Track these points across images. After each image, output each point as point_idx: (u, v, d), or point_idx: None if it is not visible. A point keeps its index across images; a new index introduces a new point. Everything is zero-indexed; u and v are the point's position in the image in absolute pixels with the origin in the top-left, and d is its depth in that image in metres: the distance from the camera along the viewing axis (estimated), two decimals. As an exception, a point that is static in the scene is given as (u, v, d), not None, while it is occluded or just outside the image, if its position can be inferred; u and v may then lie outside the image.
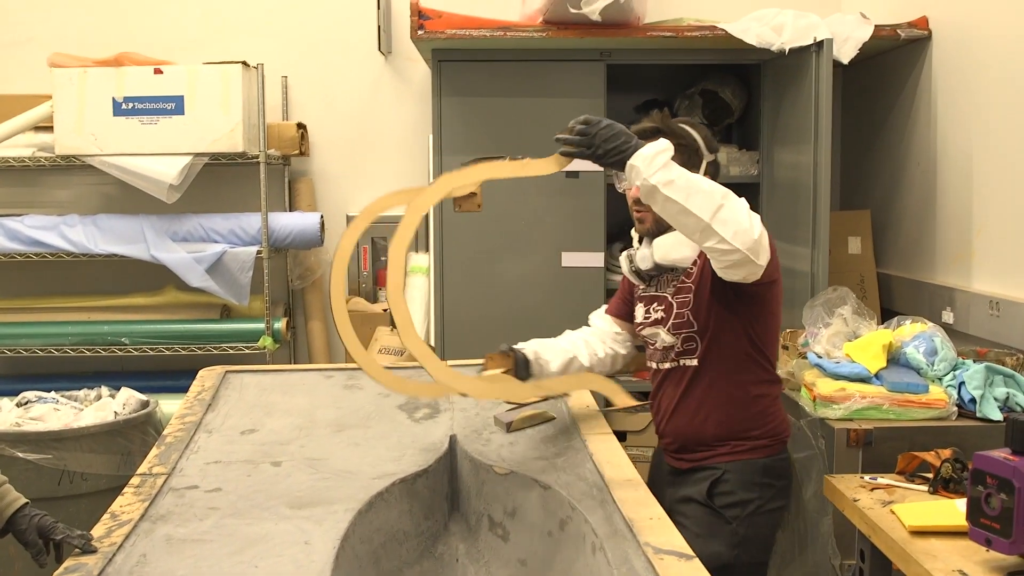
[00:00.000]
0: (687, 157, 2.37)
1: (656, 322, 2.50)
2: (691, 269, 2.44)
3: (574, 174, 3.80)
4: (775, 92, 3.99)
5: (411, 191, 2.14)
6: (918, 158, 3.91)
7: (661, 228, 2.45)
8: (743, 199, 2.21)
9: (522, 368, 2.45)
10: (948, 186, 3.69)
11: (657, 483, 2.55)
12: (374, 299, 4.50)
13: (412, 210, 2.01)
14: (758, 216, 2.19)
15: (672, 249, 2.44)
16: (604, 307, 2.77)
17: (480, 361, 2.94)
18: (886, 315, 3.58)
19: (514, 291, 3.89)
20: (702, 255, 2.40)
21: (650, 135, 2.31)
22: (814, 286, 3.55)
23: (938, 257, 3.76)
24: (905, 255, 4.04)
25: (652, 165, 2.09)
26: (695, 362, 2.44)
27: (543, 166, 2.16)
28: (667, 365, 2.50)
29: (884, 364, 3.05)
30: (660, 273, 2.51)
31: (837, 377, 3.02)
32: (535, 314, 3.86)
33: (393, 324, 4.17)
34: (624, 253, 2.60)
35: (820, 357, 3.15)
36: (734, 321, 2.40)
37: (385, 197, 2.11)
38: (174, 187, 3.99)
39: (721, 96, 4.20)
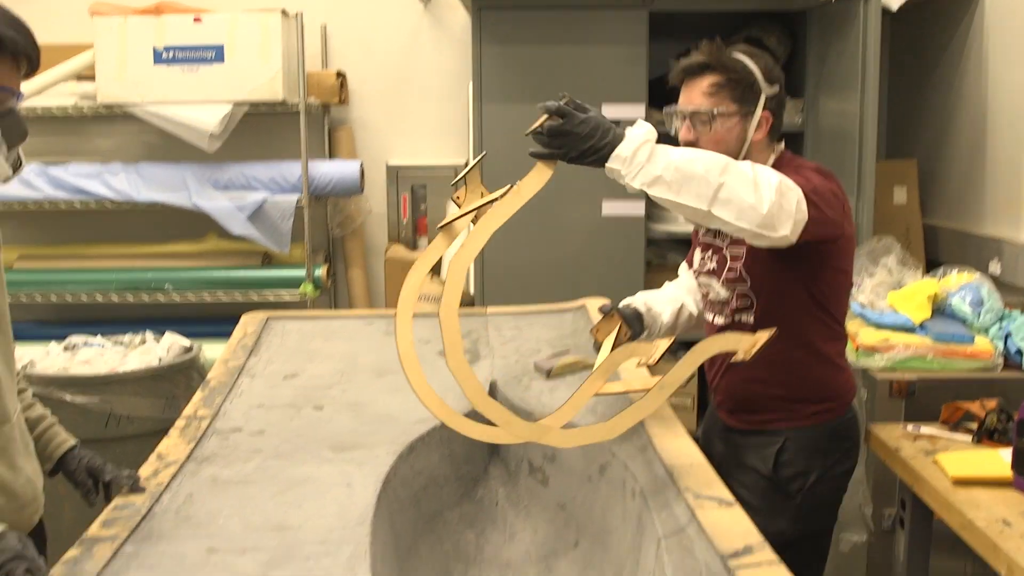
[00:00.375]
0: (741, 93, 2.19)
1: (710, 273, 2.34)
2: None
3: (615, 122, 3.76)
4: (821, 40, 3.92)
5: (425, 262, 1.89)
6: (968, 106, 3.83)
7: None
8: (747, 162, 1.95)
9: (635, 322, 2.31)
10: (998, 134, 3.61)
11: (709, 437, 2.48)
12: (413, 246, 4.51)
13: (446, 321, 1.79)
14: (775, 182, 1.90)
15: None
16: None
17: (523, 308, 2.95)
18: (931, 267, 3.53)
19: (554, 240, 3.88)
20: None
21: (697, 71, 2.20)
22: (859, 236, 3.50)
23: (986, 207, 3.69)
24: (952, 205, 3.98)
25: (632, 165, 1.83)
26: (751, 319, 2.25)
27: (533, 182, 1.83)
28: (721, 320, 2.33)
29: (929, 315, 3.02)
30: None
31: (880, 327, 2.99)
32: (575, 263, 3.86)
33: (435, 272, 4.19)
34: None
35: (864, 307, 3.13)
36: (794, 279, 2.19)
37: (414, 276, 1.86)
38: (215, 136, 4.00)
39: (765, 44, 4.12)
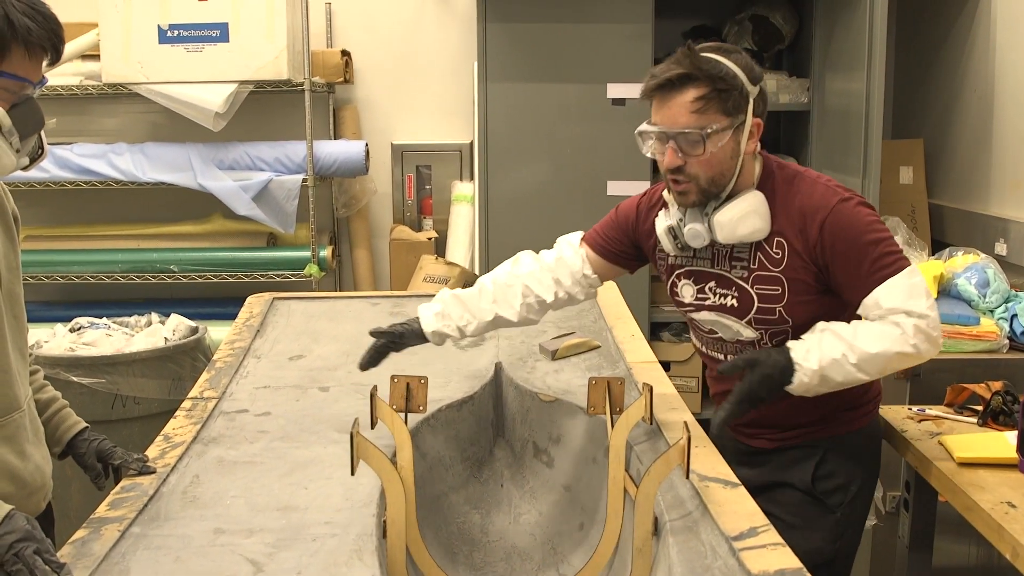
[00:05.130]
0: (730, 103, 1.86)
1: (724, 309, 2.02)
2: (774, 252, 1.95)
3: (620, 101, 3.75)
4: (828, 17, 3.89)
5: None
6: (975, 85, 3.81)
7: (709, 196, 1.93)
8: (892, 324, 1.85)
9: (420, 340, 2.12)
10: (1005, 113, 3.60)
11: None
12: (418, 227, 4.50)
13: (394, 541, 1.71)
14: (925, 325, 1.84)
15: (740, 224, 1.92)
16: (579, 234, 2.26)
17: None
18: (937, 247, 3.53)
19: (559, 219, 3.84)
20: (788, 234, 1.93)
21: (677, 84, 1.85)
22: (864, 216, 3.49)
23: (993, 187, 3.68)
24: (958, 185, 3.96)
25: (823, 381, 1.83)
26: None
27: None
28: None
29: (934, 296, 3.01)
30: (714, 246, 2.01)
31: (886, 308, 2.99)
32: (580, 243, 3.84)
33: (438, 253, 4.18)
34: (664, 226, 2.02)
35: (869, 288, 3.12)
36: (839, 304, 1.96)
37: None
38: (220, 115, 3.99)
39: (772, 21, 4.10)
